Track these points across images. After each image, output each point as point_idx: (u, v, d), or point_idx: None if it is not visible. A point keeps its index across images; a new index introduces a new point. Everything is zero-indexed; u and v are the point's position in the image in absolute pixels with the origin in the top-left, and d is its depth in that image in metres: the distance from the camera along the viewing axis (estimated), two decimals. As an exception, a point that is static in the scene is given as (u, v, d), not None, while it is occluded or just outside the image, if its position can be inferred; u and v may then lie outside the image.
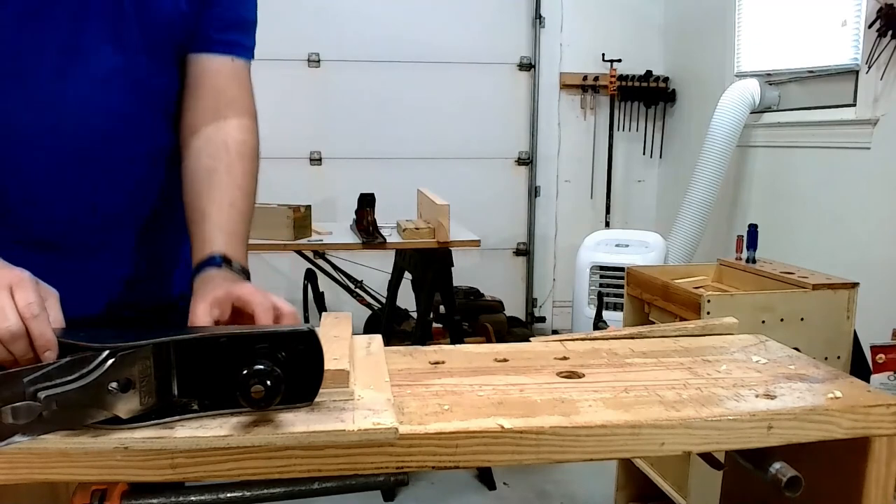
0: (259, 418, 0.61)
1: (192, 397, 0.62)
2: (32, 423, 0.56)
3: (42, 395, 0.55)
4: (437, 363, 0.80)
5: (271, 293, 0.75)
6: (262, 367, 0.59)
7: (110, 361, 0.58)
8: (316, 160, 4.02)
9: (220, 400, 0.61)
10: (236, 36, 0.98)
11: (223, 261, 0.83)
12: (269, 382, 0.59)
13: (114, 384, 0.58)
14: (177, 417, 0.61)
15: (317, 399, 0.64)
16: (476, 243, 2.61)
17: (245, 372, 0.59)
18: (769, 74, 3.18)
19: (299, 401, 0.62)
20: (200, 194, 0.90)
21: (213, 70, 0.97)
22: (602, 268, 3.45)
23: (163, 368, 0.61)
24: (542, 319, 4.34)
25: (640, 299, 2.06)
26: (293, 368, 0.61)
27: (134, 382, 0.59)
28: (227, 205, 0.89)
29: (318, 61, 3.94)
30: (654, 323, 1.84)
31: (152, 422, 0.60)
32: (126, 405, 0.59)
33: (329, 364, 0.67)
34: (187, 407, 0.62)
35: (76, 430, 0.58)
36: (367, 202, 2.64)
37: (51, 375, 0.57)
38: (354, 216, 2.71)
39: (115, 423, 0.59)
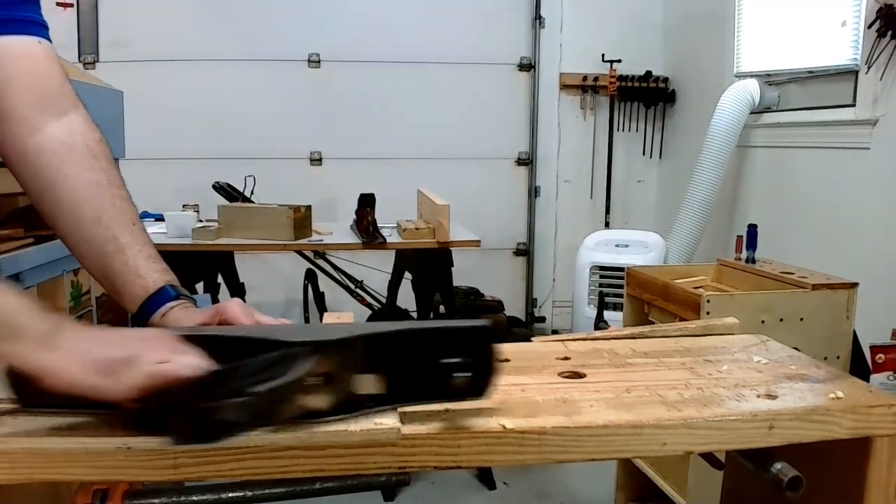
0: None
1: (388, 389, 0.63)
2: (247, 420, 0.56)
3: (257, 389, 0.56)
4: (438, 363, 0.80)
5: (255, 310, 0.74)
6: (459, 359, 0.61)
7: (315, 356, 0.59)
8: (316, 160, 4.02)
9: (415, 391, 0.63)
10: (29, 12, 0.82)
11: (176, 292, 0.78)
12: (466, 373, 0.61)
13: (316, 379, 0.59)
14: (368, 410, 0.61)
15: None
16: (476, 243, 2.61)
17: (437, 365, 0.61)
18: (769, 75, 3.18)
19: (474, 395, 0.63)
20: (98, 216, 0.79)
21: (22, 55, 0.81)
22: (602, 268, 3.45)
23: (354, 362, 0.62)
24: (542, 319, 4.34)
25: (639, 299, 2.07)
26: (479, 362, 0.63)
27: (332, 376, 0.60)
28: (130, 224, 0.80)
29: (318, 61, 3.94)
30: (654, 323, 1.84)
31: (346, 415, 0.60)
32: (324, 399, 0.60)
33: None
34: (375, 399, 0.62)
35: (277, 426, 0.59)
36: (367, 202, 2.64)
37: (263, 370, 0.57)
38: (354, 216, 2.71)
39: (311, 416, 0.60)
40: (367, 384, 0.62)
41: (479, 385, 0.62)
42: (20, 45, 0.81)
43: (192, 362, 0.58)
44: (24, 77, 0.81)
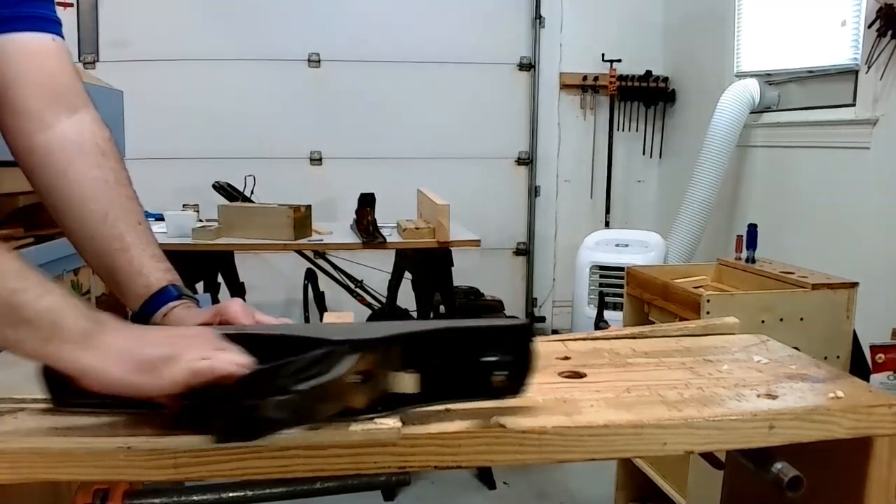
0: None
1: (425, 387, 0.63)
2: (289, 418, 0.56)
3: (300, 388, 0.56)
4: (438, 363, 0.80)
5: (255, 309, 0.74)
6: (498, 357, 0.62)
7: (355, 355, 0.59)
8: (316, 160, 4.02)
9: (453, 390, 0.63)
10: (43, 9, 0.82)
11: (178, 291, 0.78)
12: (506, 371, 0.62)
13: (356, 377, 0.59)
14: (406, 408, 0.62)
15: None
16: (476, 243, 2.61)
17: (476, 363, 0.61)
18: (769, 74, 3.18)
19: (516, 393, 0.64)
20: (104, 214, 0.79)
21: (36, 52, 0.81)
22: (602, 268, 3.45)
23: (390, 360, 0.62)
24: (542, 319, 4.34)
25: (639, 299, 2.07)
26: (519, 361, 0.63)
27: (372, 374, 0.60)
28: (136, 223, 0.81)
29: (318, 61, 3.94)
30: (654, 323, 1.84)
31: (380, 413, 0.61)
32: (362, 397, 0.60)
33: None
34: (418, 397, 0.62)
35: (317, 423, 0.59)
36: (367, 202, 2.64)
37: (305, 369, 0.57)
38: (354, 216, 2.71)
39: (349, 414, 0.60)
40: (406, 383, 0.62)
41: (516, 383, 0.63)
42: (35, 42, 0.81)
43: (235, 359, 0.59)
44: (38, 74, 0.81)
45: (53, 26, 0.83)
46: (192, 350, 0.59)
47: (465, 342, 0.63)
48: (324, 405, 0.58)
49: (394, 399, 0.62)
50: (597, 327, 2.82)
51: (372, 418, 0.60)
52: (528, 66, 4.13)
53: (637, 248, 3.45)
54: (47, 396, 0.62)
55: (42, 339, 0.57)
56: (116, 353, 0.59)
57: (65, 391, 0.62)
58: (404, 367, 0.62)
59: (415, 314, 3.03)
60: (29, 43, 0.80)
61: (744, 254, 2.07)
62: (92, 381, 0.58)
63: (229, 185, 2.90)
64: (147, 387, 0.58)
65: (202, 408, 0.57)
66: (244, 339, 0.63)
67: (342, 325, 0.76)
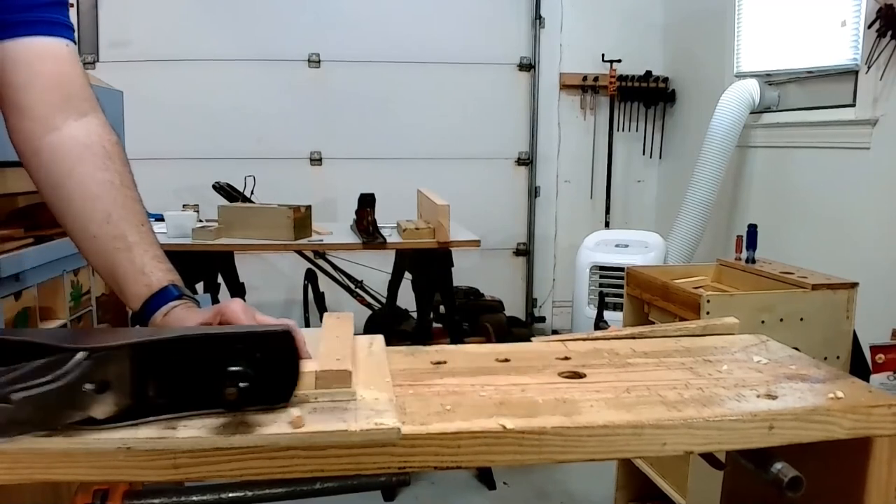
0: (241, 419, 0.61)
1: (168, 397, 0.62)
2: (6, 425, 0.55)
3: (16, 396, 0.55)
4: (438, 363, 0.80)
5: (255, 310, 0.74)
6: (236, 368, 0.60)
7: (86, 363, 0.57)
8: (316, 160, 4.02)
9: (195, 400, 0.61)
10: (58, 14, 0.84)
11: (178, 291, 0.79)
12: (242, 384, 0.59)
13: (89, 385, 0.57)
14: (151, 418, 0.60)
15: (319, 399, 0.64)
16: (476, 243, 2.61)
17: (219, 373, 0.59)
18: (769, 75, 3.18)
19: (275, 401, 0.62)
20: (108, 214, 0.79)
21: (49, 56, 0.82)
22: (602, 268, 3.45)
23: (139, 369, 0.61)
24: (542, 319, 4.34)
25: (639, 299, 2.07)
26: (269, 369, 0.61)
27: (110, 383, 0.59)
28: (139, 224, 0.81)
29: (318, 61, 3.94)
30: (654, 323, 1.84)
31: (128, 422, 0.59)
32: (102, 406, 0.58)
33: (332, 364, 0.67)
34: (163, 407, 0.61)
35: (52, 431, 0.58)
36: (367, 202, 2.64)
37: (26, 377, 0.56)
38: (354, 216, 2.71)
39: (91, 423, 0.58)
40: (145, 392, 0.60)
41: (267, 393, 0.61)
42: (48, 46, 0.82)
43: None
44: (49, 78, 0.82)
45: (66, 31, 0.84)
46: None
47: (209, 350, 0.61)
48: (55, 414, 0.57)
49: (139, 409, 0.60)
50: (597, 327, 2.82)
51: (122, 426, 0.59)
52: (528, 66, 4.13)
53: (637, 248, 3.45)
54: None
55: None
56: None
57: None
58: (145, 375, 0.60)
59: (415, 314, 3.03)
60: (42, 47, 0.82)
61: (744, 254, 2.07)
62: None
63: (229, 185, 2.90)
64: None
65: None
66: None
67: (103, 332, 0.73)
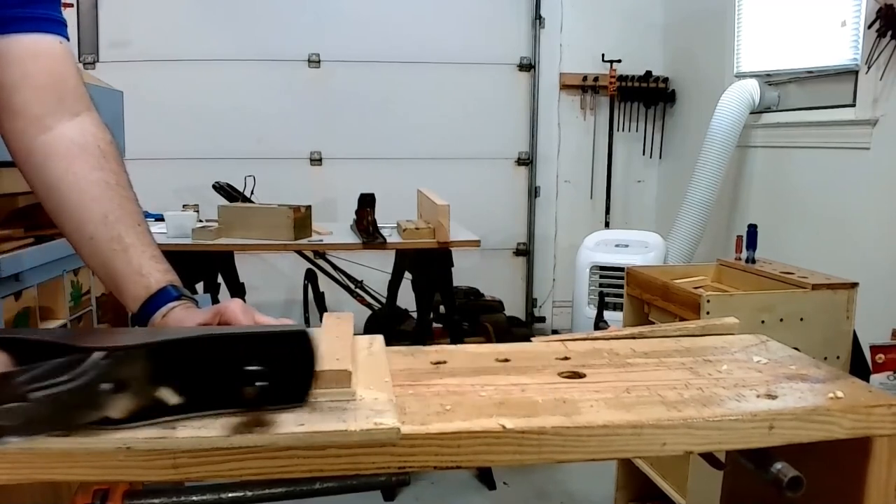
0: (257, 419, 0.61)
1: (184, 397, 0.62)
2: (24, 425, 0.55)
3: (33, 395, 0.55)
4: (438, 363, 0.80)
5: (255, 310, 0.74)
6: (254, 367, 0.60)
7: (104, 362, 0.58)
8: (316, 160, 4.02)
9: (212, 400, 0.61)
10: (50, 10, 0.82)
11: (177, 292, 0.78)
12: (260, 383, 0.59)
13: (106, 385, 0.58)
14: (169, 417, 0.60)
15: (319, 399, 0.64)
16: (476, 243, 2.61)
17: (237, 372, 0.59)
18: (769, 75, 3.18)
19: (291, 401, 0.62)
20: (104, 215, 0.78)
21: (42, 54, 0.80)
22: (602, 268, 3.45)
23: (156, 369, 0.61)
24: (542, 319, 4.34)
25: (639, 299, 2.07)
26: (286, 369, 0.61)
27: (127, 383, 0.59)
28: (136, 224, 0.80)
29: (318, 61, 3.94)
30: (654, 323, 1.84)
31: (145, 422, 0.59)
32: (118, 406, 0.58)
33: (331, 364, 0.67)
34: (180, 407, 0.61)
35: (68, 431, 0.58)
36: (367, 202, 2.64)
37: (43, 376, 0.56)
38: (354, 216, 2.71)
39: (107, 423, 0.58)
40: (164, 393, 0.60)
41: (285, 392, 0.61)
42: (41, 43, 0.80)
43: None
44: (42, 76, 0.80)
45: (59, 28, 0.83)
46: None
47: (227, 350, 0.61)
48: (72, 413, 0.57)
49: (155, 409, 0.60)
50: (597, 327, 2.82)
51: (138, 426, 0.59)
52: (528, 66, 4.13)
53: (637, 248, 3.45)
54: None
55: None
56: None
57: None
58: (162, 375, 0.60)
59: (415, 314, 3.03)
60: (35, 45, 0.80)
61: (744, 254, 2.07)
62: None
63: (229, 185, 2.90)
64: None
65: None
66: (8, 343, 0.61)
67: (114, 332, 0.73)
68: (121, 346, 0.59)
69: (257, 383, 0.60)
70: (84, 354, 0.58)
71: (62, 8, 0.86)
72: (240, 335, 0.63)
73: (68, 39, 0.84)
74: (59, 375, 0.56)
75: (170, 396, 0.61)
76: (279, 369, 0.61)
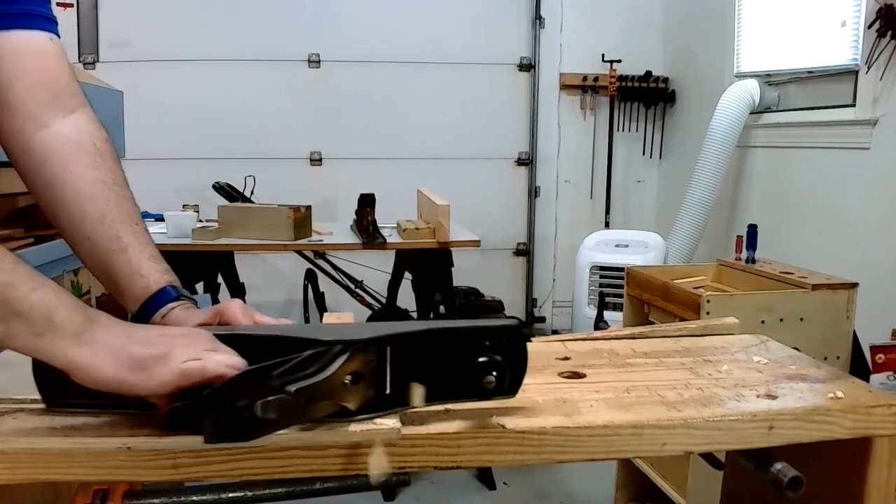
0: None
1: (424, 388, 0.63)
2: (281, 417, 0.56)
3: (291, 388, 0.56)
4: (438, 363, 0.80)
5: (255, 310, 0.74)
6: (489, 358, 0.62)
7: (346, 355, 0.59)
8: (316, 160, 4.02)
9: (444, 391, 0.63)
10: (41, 7, 0.81)
11: (177, 292, 0.78)
12: (497, 372, 0.61)
13: (348, 377, 0.59)
14: (398, 409, 0.62)
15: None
16: (476, 243, 2.61)
17: (476, 363, 0.61)
18: (769, 75, 3.18)
19: (509, 393, 0.63)
20: (102, 214, 0.78)
21: (34, 51, 0.80)
22: (602, 268, 3.45)
23: (383, 361, 0.62)
24: (542, 319, 4.34)
25: (639, 299, 2.07)
26: (513, 361, 0.63)
27: (363, 375, 0.60)
28: (133, 224, 0.80)
29: (318, 61, 3.94)
30: (654, 323, 1.84)
31: (375, 414, 0.61)
32: (355, 398, 0.60)
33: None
34: (403, 399, 0.62)
35: (313, 423, 0.59)
36: (367, 202, 2.64)
37: (296, 369, 0.57)
38: (354, 216, 2.71)
39: (343, 415, 0.60)
40: (400, 383, 0.62)
41: (509, 384, 0.63)
42: (32, 40, 0.80)
43: (225, 360, 0.59)
44: (35, 74, 0.80)
45: (50, 24, 0.82)
46: (184, 350, 0.59)
47: (458, 342, 0.63)
48: (316, 405, 0.58)
49: (388, 400, 0.61)
50: (597, 327, 2.82)
51: (369, 418, 0.60)
52: (528, 66, 4.13)
53: (637, 248, 3.45)
54: (38, 396, 0.62)
55: (34, 333, 0.57)
56: (108, 351, 0.58)
57: (56, 391, 0.62)
58: (396, 367, 0.62)
59: (415, 315, 3.03)
60: (26, 42, 0.79)
61: (744, 254, 2.07)
62: (82, 378, 0.58)
63: (229, 185, 2.90)
64: (138, 386, 0.58)
65: (193, 409, 0.57)
66: (237, 340, 0.62)
67: (335, 326, 0.76)
68: (359, 338, 0.60)
69: (489, 374, 0.61)
70: (328, 347, 0.59)
71: (60, 7, 0.85)
72: (470, 328, 0.64)
73: (59, 36, 0.83)
74: (308, 368, 0.58)
75: (401, 388, 0.62)
76: (509, 362, 0.62)
